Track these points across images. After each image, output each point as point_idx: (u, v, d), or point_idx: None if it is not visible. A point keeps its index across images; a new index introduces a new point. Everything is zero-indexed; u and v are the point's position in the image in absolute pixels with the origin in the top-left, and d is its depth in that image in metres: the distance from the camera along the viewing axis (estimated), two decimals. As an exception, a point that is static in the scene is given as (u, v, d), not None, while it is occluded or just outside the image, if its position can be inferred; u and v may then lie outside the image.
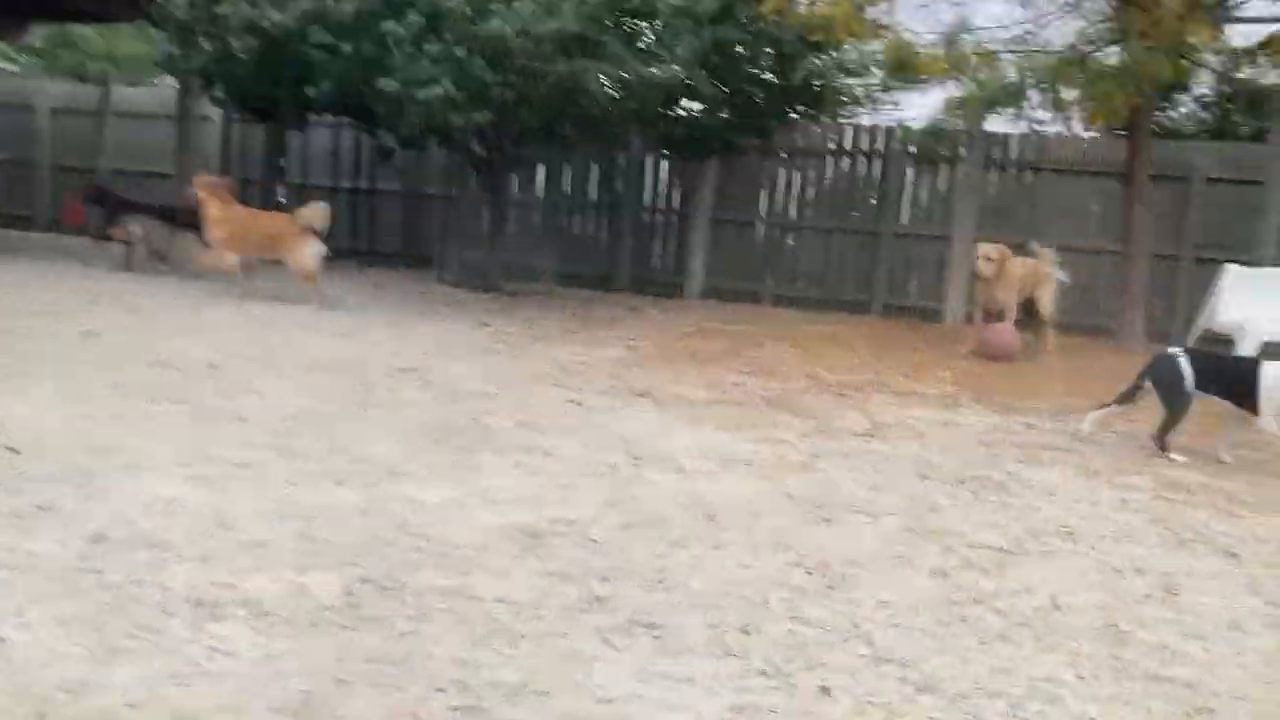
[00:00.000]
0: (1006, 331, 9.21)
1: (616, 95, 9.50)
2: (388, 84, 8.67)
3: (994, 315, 9.44)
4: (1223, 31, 10.56)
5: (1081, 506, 4.73)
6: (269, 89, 10.51)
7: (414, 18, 8.60)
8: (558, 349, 8.08)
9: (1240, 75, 12.41)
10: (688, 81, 9.25)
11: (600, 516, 4.00)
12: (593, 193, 13.78)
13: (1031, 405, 7.17)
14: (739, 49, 10.12)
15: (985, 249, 9.43)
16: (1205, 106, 13.42)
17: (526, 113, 9.70)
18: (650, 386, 6.79)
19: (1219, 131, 13.18)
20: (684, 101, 11.47)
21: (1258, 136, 13.00)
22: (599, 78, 8.85)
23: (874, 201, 12.59)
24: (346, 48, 8.92)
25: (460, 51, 8.51)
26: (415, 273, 12.84)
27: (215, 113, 13.62)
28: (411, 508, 3.93)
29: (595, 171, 13.77)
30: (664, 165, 13.42)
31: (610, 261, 13.57)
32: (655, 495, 4.35)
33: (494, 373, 6.82)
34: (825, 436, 5.73)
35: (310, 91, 9.45)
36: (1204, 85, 13.04)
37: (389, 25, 8.62)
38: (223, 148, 13.79)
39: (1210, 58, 11.76)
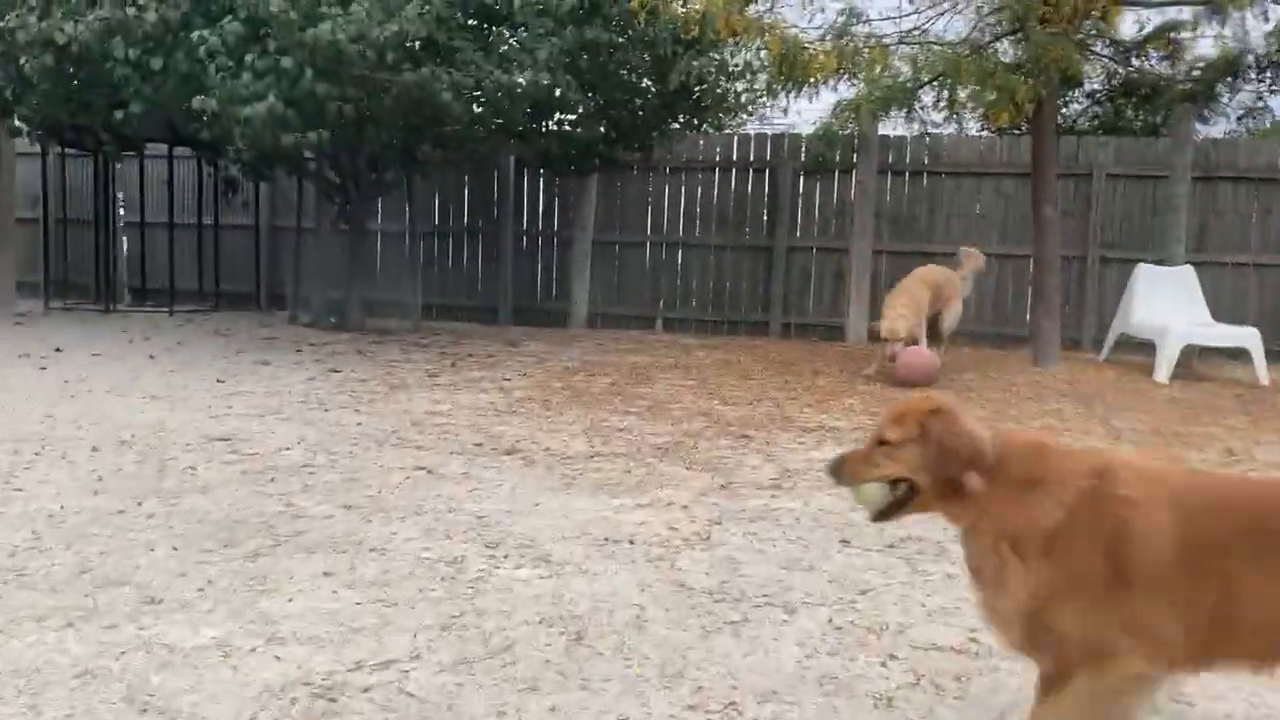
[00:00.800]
0: (924, 354, 8.23)
1: (475, 108, 8.48)
2: (204, 102, 7.50)
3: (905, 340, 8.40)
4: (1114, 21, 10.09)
5: (1039, 572, 3.86)
6: (78, 115, 9.20)
7: (231, 25, 7.46)
8: (416, 398, 6.99)
9: (1130, 69, 12.03)
10: (554, 89, 8.28)
11: (428, 650, 2.96)
12: (466, 218, 12.75)
13: (955, 434, 6.34)
14: (610, 51, 9.21)
15: (896, 317, 8.14)
16: (1097, 101, 13.01)
17: (372, 131, 8.63)
18: (520, 440, 5.76)
19: (1112, 126, 12.77)
20: (557, 114, 10.53)
21: (1152, 131, 12.62)
22: (453, 88, 7.82)
23: (765, 215, 11.82)
24: (156, 63, 7.72)
25: (287, 62, 7.39)
26: (267, 315, 11.62)
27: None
28: (158, 660, 2.83)
29: (467, 195, 12.76)
30: (542, 185, 12.48)
31: (488, 292, 12.55)
32: (508, 606, 3.32)
33: (328, 435, 5.71)
34: (726, 494, 4.78)
35: (119, 115, 8.20)
36: (1095, 79, 12.61)
37: (201, 34, 7.45)
38: (44, 184, 12.32)
39: (1101, 50, 11.32)
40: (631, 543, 4.00)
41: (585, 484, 4.85)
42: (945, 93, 9.73)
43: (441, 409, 6.63)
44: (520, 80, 7.85)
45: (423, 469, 5.04)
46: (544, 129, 10.43)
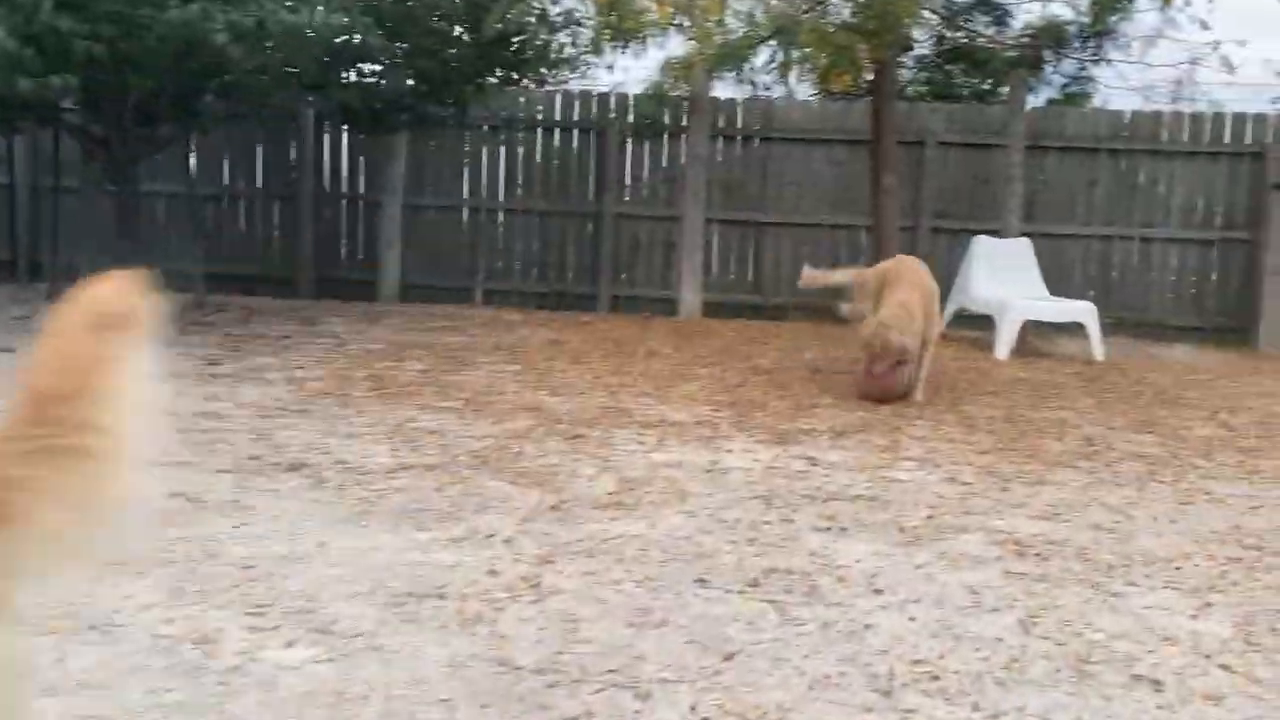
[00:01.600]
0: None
1: (260, 53, 7.35)
2: (-91, 36, 6.13)
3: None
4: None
5: (926, 611, 3.29)
6: None
7: (-55, -59, 6.11)
8: (187, 393, 5.93)
9: (959, 33, 11.86)
10: (351, 33, 7.25)
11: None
12: (260, 179, 11.48)
13: (803, 426, 5.80)
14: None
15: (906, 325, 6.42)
16: (926, 67, 12.79)
17: (136, 77, 7.38)
18: (309, 449, 4.85)
19: (941, 93, 12.59)
20: (359, 63, 9.45)
21: (980, 97, 12.52)
22: (229, 29, 6.67)
23: (592, 179, 11.07)
24: None
25: (21, -9, 6.12)
26: (25, 288, 10.10)
27: None
28: None
29: (261, 153, 11.47)
30: (346, 143, 11.33)
31: (286, 261, 11.33)
32: (272, 712, 2.48)
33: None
34: (558, 518, 4.03)
35: None
36: (925, 44, 12.38)
37: (-98, -50, 6.07)
38: None
39: (930, 15, 11.04)
40: (441, 597, 3.20)
41: (386, 511, 4.01)
42: (781, 53, 9.20)
43: (217, 408, 5.61)
44: (310, 21, 6.79)
45: (180, 495, 4.07)
46: (344, 79, 9.33)
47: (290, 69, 8.20)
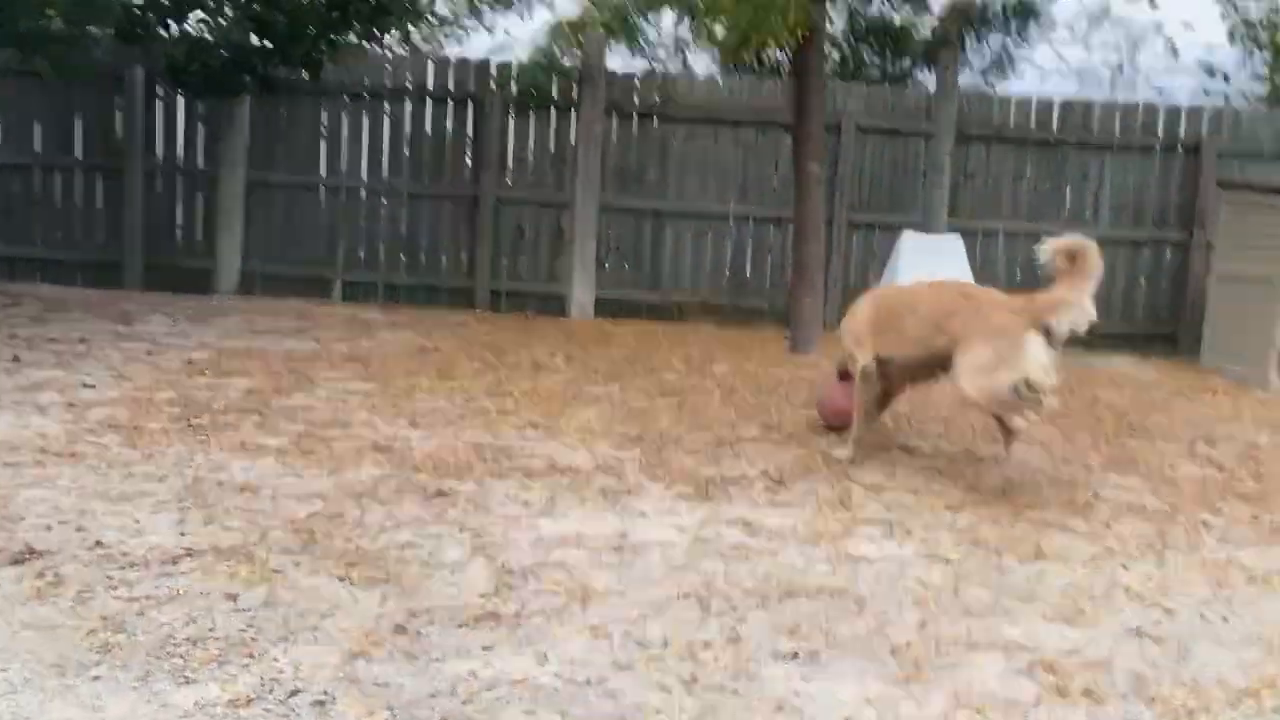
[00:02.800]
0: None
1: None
2: None
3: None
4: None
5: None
6: None
7: None
8: (-85, 430, 4.42)
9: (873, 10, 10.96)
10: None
11: None
12: (79, 147, 9.77)
13: (729, 472, 4.61)
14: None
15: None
16: (836, 45, 11.76)
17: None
18: (57, 522, 3.44)
19: (851, 74, 11.60)
20: (189, 14, 7.92)
21: (897, 80, 11.57)
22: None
23: (469, 157, 9.71)
24: None
25: None
26: None
27: None
28: None
29: (80, 118, 9.76)
30: (181, 108, 9.71)
31: (110, 245, 9.68)
32: None
33: None
34: (402, 647, 2.74)
35: None
36: (835, 22, 11.36)
37: None
38: None
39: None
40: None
41: (139, 643, 2.65)
42: (688, 15, 8.06)
43: (-53, 452, 4.13)
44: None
45: None
46: (171, 32, 7.79)
47: (86, 14, 6.65)
